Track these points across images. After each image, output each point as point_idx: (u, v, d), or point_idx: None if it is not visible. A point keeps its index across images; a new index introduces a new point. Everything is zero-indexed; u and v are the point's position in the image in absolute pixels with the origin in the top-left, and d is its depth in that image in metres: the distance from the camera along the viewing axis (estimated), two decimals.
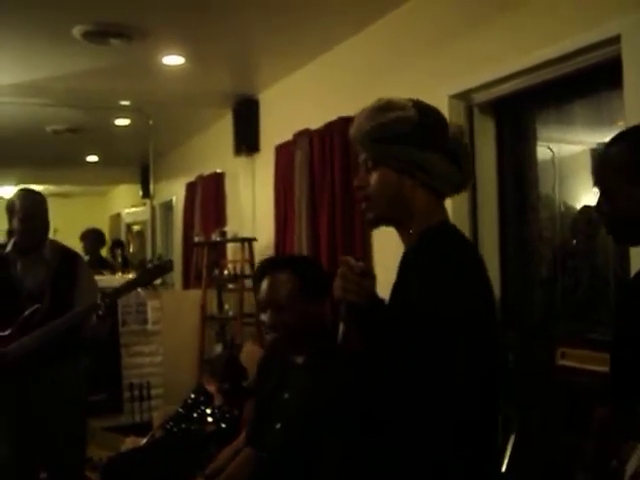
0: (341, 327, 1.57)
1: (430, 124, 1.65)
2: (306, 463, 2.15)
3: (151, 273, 3.27)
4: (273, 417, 2.39)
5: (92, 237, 7.69)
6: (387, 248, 1.76)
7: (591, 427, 1.75)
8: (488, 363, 1.58)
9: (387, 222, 1.74)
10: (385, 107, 1.65)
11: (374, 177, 1.68)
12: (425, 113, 1.66)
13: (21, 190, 3.36)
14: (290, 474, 2.23)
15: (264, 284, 2.41)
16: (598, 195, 1.72)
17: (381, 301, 1.61)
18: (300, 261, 2.75)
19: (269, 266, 2.48)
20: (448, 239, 1.65)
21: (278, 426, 2.35)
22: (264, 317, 2.42)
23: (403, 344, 1.49)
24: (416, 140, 1.62)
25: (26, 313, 3.10)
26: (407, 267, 1.67)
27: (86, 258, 6.29)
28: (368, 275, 1.59)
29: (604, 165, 1.71)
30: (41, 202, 3.30)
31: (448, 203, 1.73)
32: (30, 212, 3.22)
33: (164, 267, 3.33)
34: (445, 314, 1.46)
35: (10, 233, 3.43)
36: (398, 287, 1.68)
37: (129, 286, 3.24)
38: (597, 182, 1.72)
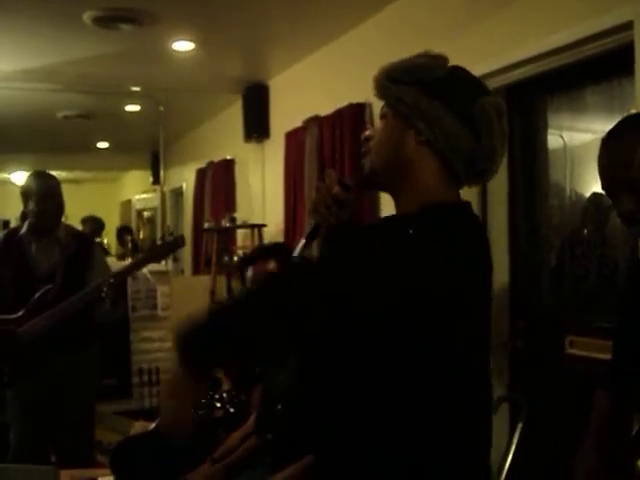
0: (302, 242, 1.53)
1: (456, 81, 1.44)
2: (309, 440, 2.17)
3: (163, 248, 3.25)
4: (275, 399, 2.43)
5: (91, 223, 7.80)
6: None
7: (592, 409, 1.75)
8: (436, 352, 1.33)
9: (382, 182, 1.50)
10: (419, 54, 1.47)
11: (380, 124, 1.49)
12: (456, 71, 1.46)
13: (36, 173, 3.39)
14: (295, 453, 2.25)
15: (249, 274, 2.47)
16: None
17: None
18: (282, 250, 2.78)
19: (252, 257, 2.54)
20: (455, 227, 1.39)
21: (279, 407, 2.39)
22: None
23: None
24: (434, 92, 1.40)
25: (38, 294, 3.13)
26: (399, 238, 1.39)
27: None
28: (344, 205, 1.51)
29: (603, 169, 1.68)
30: (56, 185, 3.33)
31: None
32: (45, 194, 3.25)
33: (176, 242, 3.31)
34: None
35: (24, 215, 3.46)
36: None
37: (140, 262, 3.25)
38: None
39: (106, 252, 7.50)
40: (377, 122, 1.56)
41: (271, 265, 2.42)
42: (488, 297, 1.45)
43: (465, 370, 1.37)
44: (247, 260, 2.52)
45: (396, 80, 1.44)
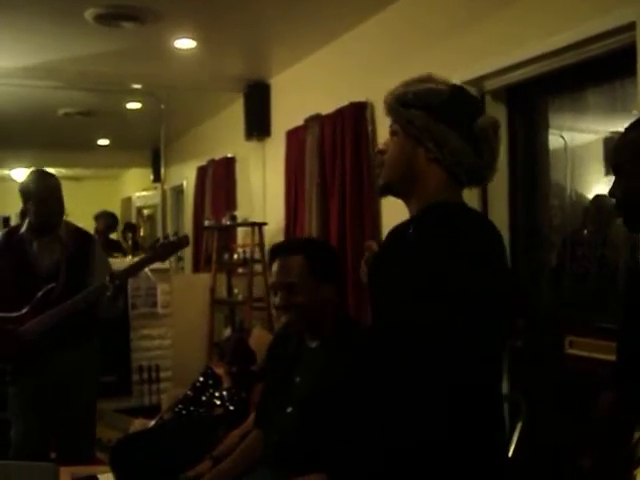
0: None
1: (458, 104, 1.64)
2: (317, 446, 2.17)
3: (167, 248, 3.24)
4: (284, 401, 2.40)
5: (105, 219, 7.70)
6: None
7: (596, 411, 1.76)
8: (482, 347, 1.52)
9: (396, 191, 1.72)
10: (423, 79, 1.67)
11: (392, 142, 1.68)
12: (458, 94, 1.66)
13: (35, 172, 3.35)
14: (301, 456, 2.25)
15: (275, 267, 2.44)
16: (613, 179, 1.72)
17: None
18: (311, 243, 2.78)
19: (280, 249, 2.50)
20: (461, 218, 1.61)
21: (290, 409, 2.36)
22: (276, 300, 2.45)
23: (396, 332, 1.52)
24: (437, 112, 1.61)
25: (41, 292, 3.13)
26: (403, 241, 1.66)
27: None
28: None
29: (621, 149, 1.71)
30: (56, 185, 3.31)
31: None
32: (45, 196, 3.23)
33: (180, 242, 3.30)
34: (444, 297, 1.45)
35: (24, 213, 3.45)
36: (388, 259, 1.70)
37: (144, 262, 3.24)
38: (612, 165, 1.72)
39: (117, 249, 7.44)
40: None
41: (294, 259, 2.39)
42: (499, 289, 1.56)
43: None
44: (274, 255, 2.48)
45: (406, 104, 1.64)
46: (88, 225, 7.26)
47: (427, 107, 1.61)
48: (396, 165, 1.67)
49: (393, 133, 1.68)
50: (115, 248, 7.38)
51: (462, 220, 1.59)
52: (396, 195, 1.73)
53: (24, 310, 3.11)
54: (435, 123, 1.60)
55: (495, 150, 1.65)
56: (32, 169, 3.45)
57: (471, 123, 1.61)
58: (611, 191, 1.73)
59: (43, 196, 3.22)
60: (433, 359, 1.45)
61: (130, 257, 6.76)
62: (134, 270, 3.20)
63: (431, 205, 1.62)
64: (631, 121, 1.76)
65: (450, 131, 1.59)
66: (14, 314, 3.11)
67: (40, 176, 3.32)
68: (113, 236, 8.03)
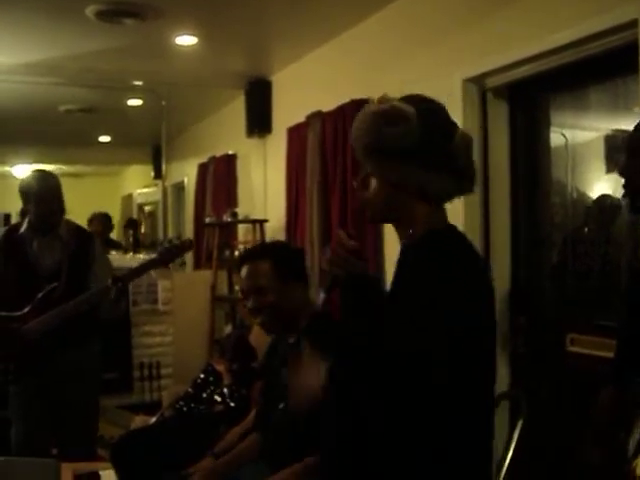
0: (322, 296, 1.68)
1: (432, 141, 1.57)
2: (308, 441, 2.18)
3: (171, 252, 3.25)
4: (277, 398, 2.44)
5: (99, 221, 7.71)
6: (398, 244, 1.75)
7: (597, 404, 1.76)
8: (475, 371, 1.53)
9: (385, 222, 1.76)
10: (388, 117, 1.56)
11: (372, 184, 1.64)
12: (429, 126, 1.57)
13: (36, 172, 3.35)
14: (295, 452, 2.26)
15: (243, 272, 2.57)
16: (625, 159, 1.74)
17: (374, 281, 1.69)
18: (275, 247, 2.86)
19: (247, 256, 2.65)
20: (451, 244, 1.61)
21: (281, 406, 2.40)
22: (248, 304, 2.54)
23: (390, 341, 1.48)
24: (415, 159, 1.56)
25: (43, 292, 3.13)
26: (406, 266, 1.65)
27: None
28: (358, 254, 1.64)
29: (629, 142, 1.72)
30: (56, 186, 3.30)
31: None
32: (45, 197, 3.23)
33: (183, 246, 3.32)
34: (434, 320, 1.44)
35: (23, 212, 3.45)
36: (395, 284, 1.67)
37: (147, 266, 3.24)
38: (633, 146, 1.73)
39: (120, 247, 7.43)
40: None
41: (260, 263, 2.51)
42: (489, 311, 1.59)
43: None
44: (241, 262, 2.60)
45: (377, 152, 1.59)
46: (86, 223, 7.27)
47: (400, 154, 1.56)
48: (381, 206, 1.65)
49: (371, 173, 1.64)
50: (114, 246, 7.39)
51: (452, 250, 1.59)
52: (384, 223, 1.80)
53: (26, 309, 3.11)
54: (412, 169, 1.57)
55: (473, 165, 1.64)
56: (32, 168, 3.45)
57: (449, 151, 1.58)
58: (623, 171, 1.74)
59: (43, 196, 3.22)
60: (416, 383, 1.43)
61: (131, 254, 6.77)
62: (137, 273, 3.21)
63: (422, 235, 1.61)
64: (634, 117, 1.76)
65: (429, 172, 1.57)
66: (16, 313, 3.11)
67: (40, 176, 3.31)
68: (112, 235, 8.03)
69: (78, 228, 3.48)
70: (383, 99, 1.62)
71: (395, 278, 1.67)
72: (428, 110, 1.60)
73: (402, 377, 1.43)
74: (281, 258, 2.56)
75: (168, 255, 3.23)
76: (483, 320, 1.56)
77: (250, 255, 2.64)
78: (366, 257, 1.73)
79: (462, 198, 1.67)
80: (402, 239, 1.68)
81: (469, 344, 1.47)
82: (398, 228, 1.69)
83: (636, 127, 1.79)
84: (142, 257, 6.10)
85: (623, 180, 1.76)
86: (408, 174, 1.57)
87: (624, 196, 1.87)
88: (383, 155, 1.58)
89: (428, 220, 1.61)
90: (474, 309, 1.51)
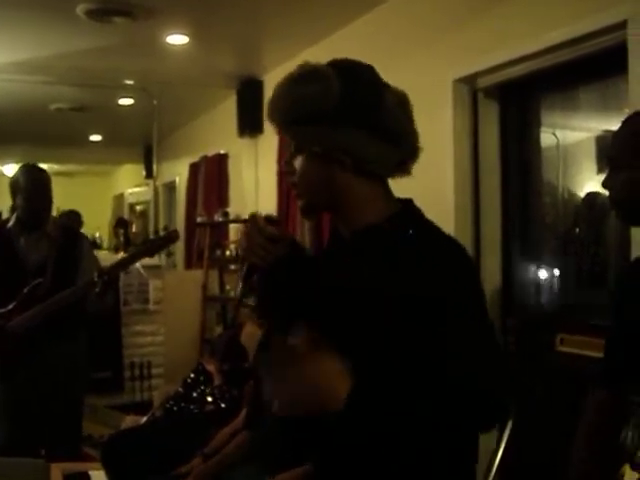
0: (240, 286, 1.51)
1: (357, 97, 1.37)
2: (303, 441, 2.17)
3: (156, 243, 3.21)
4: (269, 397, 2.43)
5: (72, 217, 7.66)
6: None
7: (586, 408, 1.76)
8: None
9: (322, 211, 1.54)
10: (302, 79, 1.39)
11: (298, 162, 1.44)
12: (351, 83, 1.38)
13: (25, 166, 3.34)
14: (288, 453, 2.25)
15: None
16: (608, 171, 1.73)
17: (298, 261, 1.48)
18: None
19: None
20: (399, 241, 1.39)
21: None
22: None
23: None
24: (339, 119, 1.36)
25: (28, 288, 3.12)
26: (346, 264, 1.43)
27: None
28: (279, 240, 1.46)
29: (619, 141, 1.72)
30: (45, 180, 3.30)
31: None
32: (34, 190, 3.22)
33: (170, 237, 3.29)
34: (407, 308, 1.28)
35: (14, 209, 3.44)
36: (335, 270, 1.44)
37: (132, 258, 3.22)
38: (610, 157, 1.72)
39: (96, 246, 7.41)
40: None
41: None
42: (469, 295, 1.39)
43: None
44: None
45: (296, 121, 1.40)
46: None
47: (323, 117, 1.36)
48: (312, 189, 1.44)
49: (296, 150, 1.45)
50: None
51: (420, 240, 1.39)
52: (323, 212, 1.56)
53: (11, 306, 3.10)
54: (338, 133, 1.36)
55: (412, 127, 1.43)
56: (22, 164, 3.43)
57: (377, 111, 1.38)
58: (606, 183, 1.73)
59: (31, 190, 3.21)
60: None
61: (122, 253, 6.75)
62: (123, 266, 3.18)
63: (366, 228, 1.41)
64: (624, 117, 1.76)
65: (359, 134, 1.36)
66: (1, 310, 3.10)
67: (29, 170, 3.31)
68: (102, 233, 8.00)
69: (66, 225, 3.47)
70: (302, 65, 1.45)
71: (334, 271, 1.44)
72: (348, 68, 1.43)
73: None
74: None
75: (153, 246, 3.20)
76: (471, 311, 1.35)
77: None
78: (286, 239, 1.47)
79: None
80: (345, 229, 1.47)
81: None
82: (338, 215, 1.48)
83: (613, 138, 1.79)
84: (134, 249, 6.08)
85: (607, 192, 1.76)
86: (333, 138, 1.36)
87: (610, 208, 1.87)
88: (303, 123, 1.38)
89: (372, 203, 1.42)
90: (457, 305, 1.31)
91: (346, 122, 1.36)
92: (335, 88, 1.36)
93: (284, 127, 1.44)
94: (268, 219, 1.52)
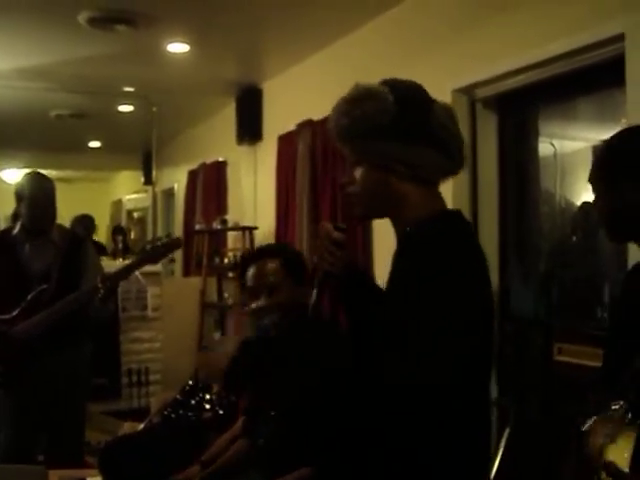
0: (314, 293, 1.64)
1: (410, 112, 1.51)
2: (302, 447, 2.18)
3: (159, 250, 3.23)
4: (267, 404, 2.43)
5: (81, 224, 7.66)
6: (387, 238, 1.74)
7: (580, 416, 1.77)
8: (479, 364, 1.49)
9: (378, 217, 1.68)
10: (360, 97, 1.52)
11: (358, 173, 1.58)
12: (404, 100, 1.51)
13: (30, 175, 3.34)
14: (287, 459, 2.26)
15: (252, 271, 2.51)
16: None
17: (360, 273, 1.68)
18: (285, 249, 2.83)
19: (255, 255, 2.60)
20: (447, 235, 1.51)
21: (273, 413, 2.39)
22: (255, 304, 2.47)
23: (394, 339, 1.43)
24: (396, 133, 1.50)
25: (32, 294, 3.12)
26: (401, 260, 1.58)
27: None
28: (344, 246, 1.62)
29: (608, 160, 1.74)
30: (50, 190, 3.29)
31: (448, 196, 1.69)
32: (39, 200, 3.22)
33: (172, 244, 3.30)
34: (439, 315, 1.38)
35: (16, 215, 3.44)
36: (391, 280, 1.59)
37: (135, 264, 3.23)
38: (599, 178, 1.74)
39: (104, 252, 7.41)
40: None
41: (270, 262, 2.46)
42: (488, 299, 1.53)
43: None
44: (248, 259, 2.54)
45: (356, 136, 1.54)
46: None
47: (380, 131, 1.50)
48: (370, 196, 1.58)
49: (356, 162, 1.58)
50: (99, 250, 7.36)
51: (452, 240, 1.51)
52: (377, 218, 1.70)
53: (15, 312, 3.11)
54: (400, 146, 1.50)
55: (459, 137, 1.57)
56: (28, 170, 3.44)
57: (429, 124, 1.51)
58: (592, 205, 1.75)
59: (36, 200, 3.21)
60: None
61: (120, 260, 6.76)
62: (126, 272, 3.20)
63: (418, 224, 1.53)
64: (621, 128, 1.78)
65: (414, 147, 1.51)
66: (5, 316, 3.11)
67: (34, 178, 3.31)
68: (100, 239, 8.00)
69: (70, 232, 3.48)
70: (355, 86, 1.58)
71: (393, 272, 1.59)
72: (402, 86, 1.56)
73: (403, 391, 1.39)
74: (291, 259, 2.52)
75: (156, 253, 3.21)
76: (488, 319, 1.51)
77: (259, 254, 2.57)
78: (353, 248, 1.68)
79: (450, 205, 1.65)
80: (398, 230, 1.60)
81: (474, 352, 1.43)
82: (393, 219, 1.61)
83: (593, 161, 1.81)
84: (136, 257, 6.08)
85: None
86: (391, 151, 1.51)
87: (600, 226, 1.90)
88: (362, 138, 1.53)
89: (424, 205, 1.55)
90: (479, 306, 1.45)
91: (401, 135, 1.50)
92: (390, 104, 1.49)
93: (346, 142, 1.58)
94: (336, 227, 1.65)
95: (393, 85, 1.54)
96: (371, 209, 1.63)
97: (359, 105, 1.52)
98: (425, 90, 1.59)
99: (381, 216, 1.65)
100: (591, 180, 1.75)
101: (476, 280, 1.48)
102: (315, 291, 1.64)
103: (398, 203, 1.55)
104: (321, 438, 1.69)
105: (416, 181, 1.54)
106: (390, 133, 1.50)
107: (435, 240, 1.49)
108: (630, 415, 1.48)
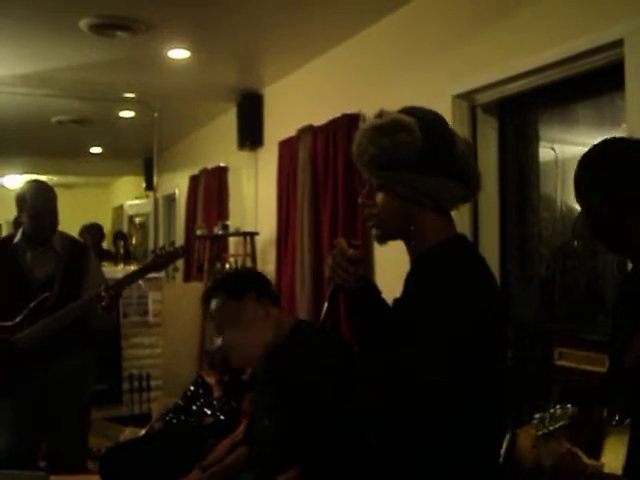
0: (325, 306, 1.67)
1: (436, 146, 1.56)
2: (293, 457, 2.19)
3: (163, 259, 3.24)
4: (263, 413, 2.43)
5: (90, 233, 7.65)
6: (388, 250, 1.77)
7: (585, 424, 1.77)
8: (492, 380, 1.56)
9: (394, 239, 1.70)
10: (388, 129, 1.55)
11: (379, 199, 1.62)
12: (431, 133, 1.56)
13: (32, 184, 3.32)
14: (280, 465, 2.26)
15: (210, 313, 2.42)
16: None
17: (373, 288, 1.76)
18: (225, 278, 2.71)
19: (204, 300, 2.44)
20: (460, 255, 1.60)
21: (265, 422, 2.38)
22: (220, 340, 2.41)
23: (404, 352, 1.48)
24: (422, 166, 1.54)
25: (34, 302, 3.13)
26: (414, 281, 1.64)
27: None
28: (358, 263, 1.68)
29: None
30: (52, 199, 3.28)
31: None
32: (41, 210, 3.21)
33: (176, 253, 3.31)
34: (453, 329, 1.44)
35: (17, 222, 3.44)
36: (406, 297, 1.65)
37: (139, 273, 3.24)
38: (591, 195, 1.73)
39: (109, 257, 7.40)
40: None
41: (219, 299, 2.36)
42: (502, 322, 1.59)
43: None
44: (203, 301, 2.43)
45: (383, 166, 1.57)
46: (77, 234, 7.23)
47: (406, 164, 1.54)
48: (390, 223, 1.63)
49: (378, 188, 1.62)
50: (107, 256, 7.36)
51: (462, 261, 1.58)
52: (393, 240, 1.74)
53: (17, 319, 3.11)
54: (425, 179, 1.55)
55: (477, 170, 1.65)
56: (31, 178, 3.43)
57: (453, 158, 1.58)
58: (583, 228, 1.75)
59: (37, 209, 3.20)
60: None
61: (122, 266, 6.75)
62: (129, 281, 3.20)
63: (433, 247, 1.60)
64: (621, 133, 1.78)
65: (437, 179, 1.56)
66: (8, 323, 3.11)
67: (36, 187, 3.29)
68: (103, 245, 7.99)
69: (72, 240, 3.48)
70: (381, 113, 1.61)
71: (405, 291, 1.65)
72: (427, 119, 1.60)
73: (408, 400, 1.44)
74: (230, 284, 2.42)
75: (160, 261, 3.23)
76: (495, 334, 1.55)
77: (206, 298, 2.42)
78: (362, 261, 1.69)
79: (452, 213, 1.68)
80: (412, 253, 1.66)
81: (480, 369, 1.48)
82: (409, 243, 1.66)
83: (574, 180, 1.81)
84: (133, 269, 6.08)
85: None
86: (416, 183, 1.55)
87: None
88: (389, 168, 1.56)
89: (440, 231, 1.61)
90: (485, 324, 1.50)
91: (427, 168, 1.55)
92: (418, 140, 1.53)
93: (371, 171, 1.61)
94: (351, 244, 1.69)
95: (419, 116, 1.58)
96: (390, 233, 1.66)
97: (388, 136, 1.54)
98: (446, 122, 1.64)
99: (398, 239, 1.68)
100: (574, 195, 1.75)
101: (483, 295, 1.53)
102: (326, 304, 1.67)
103: (417, 230, 1.61)
104: (319, 438, 1.71)
105: (436, 210, 1.59)
106: (416, 166, 1.54)
107: (449, 264, 1.55)
108: (617, 417, 1.49)
